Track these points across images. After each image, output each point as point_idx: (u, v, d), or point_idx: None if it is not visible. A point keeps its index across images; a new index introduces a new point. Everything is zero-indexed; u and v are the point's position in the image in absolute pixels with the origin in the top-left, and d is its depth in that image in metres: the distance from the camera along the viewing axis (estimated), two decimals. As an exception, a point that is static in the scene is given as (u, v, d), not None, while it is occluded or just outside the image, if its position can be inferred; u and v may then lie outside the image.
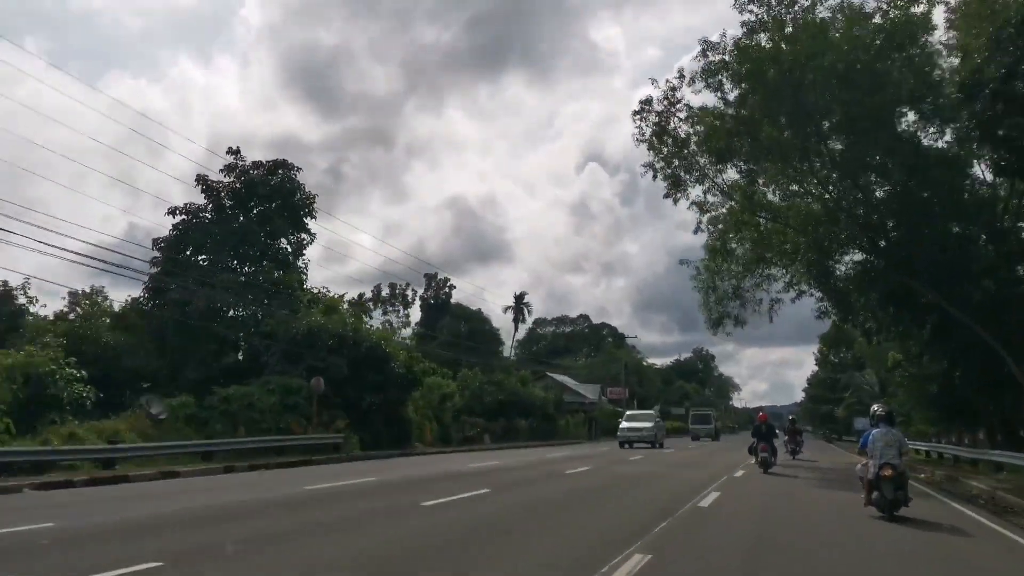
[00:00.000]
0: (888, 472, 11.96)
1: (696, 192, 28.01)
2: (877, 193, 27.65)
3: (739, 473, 23.52)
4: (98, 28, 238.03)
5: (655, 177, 27.32)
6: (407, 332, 67.02)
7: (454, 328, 69.45)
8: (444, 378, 38.25)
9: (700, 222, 28.67)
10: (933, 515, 13.29)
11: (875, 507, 12.37)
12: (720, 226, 29.15)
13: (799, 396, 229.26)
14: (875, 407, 13.63)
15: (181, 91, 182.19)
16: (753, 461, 24.69)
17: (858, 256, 29.53)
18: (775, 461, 23.99)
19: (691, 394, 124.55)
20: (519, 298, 74.83)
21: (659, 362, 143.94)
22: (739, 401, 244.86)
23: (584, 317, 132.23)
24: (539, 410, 47.97)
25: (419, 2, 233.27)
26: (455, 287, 71.23)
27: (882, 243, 27.66)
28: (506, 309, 73.89)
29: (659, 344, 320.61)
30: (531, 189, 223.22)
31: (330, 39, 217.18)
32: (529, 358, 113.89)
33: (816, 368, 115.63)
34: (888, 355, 57.81)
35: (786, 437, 35.09)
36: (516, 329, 72.86)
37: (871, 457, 12.39)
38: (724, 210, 28.76)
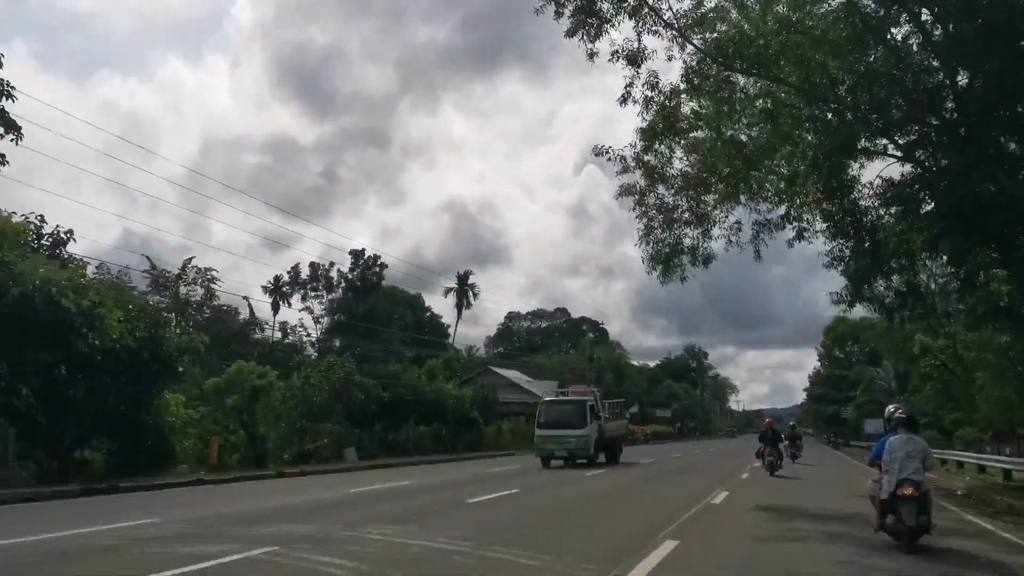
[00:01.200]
0: (909, 491, 9.66)
1: (625, 31, 16.06)
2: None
3: None
4: (86, 29, 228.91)
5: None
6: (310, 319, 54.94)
7: (382, 314, 57.22)
8: (264, 368, 25.34)
9: (631, 84, 16.51)
10: (968, 547, 10.50)
11: (889, 534, 10.16)
12: (665, 94, 16.87)
13: (799, 399, 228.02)
14: (891, 408, 11.33)
15: (172, 92, 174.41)
16: (759, 464, 26.15)
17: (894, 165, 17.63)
18: (781, 464, 25.71)
19: (680, 395, 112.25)
20: (463, 278, 62.25)
21: (652, 363, 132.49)
22: (737, 404, 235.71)
23: (562, 311, 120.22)
24: (454, 413, 35.69)
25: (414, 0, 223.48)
26: (387, 266, 59.14)
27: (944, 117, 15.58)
28: (448, 292, 61.64)
29: (658, 348, 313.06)
30: (528, 190, 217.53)
31: (323, 38, 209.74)
32: (500, 356, 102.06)
33: (819, 365, 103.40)
34: (915, 339, 45.62)
35: (786, 442, 32.50)
36: (459, 315, 60.78)
37: (886, 471, 10.00)
38: (678, 58, 16.61)
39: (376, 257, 59.21)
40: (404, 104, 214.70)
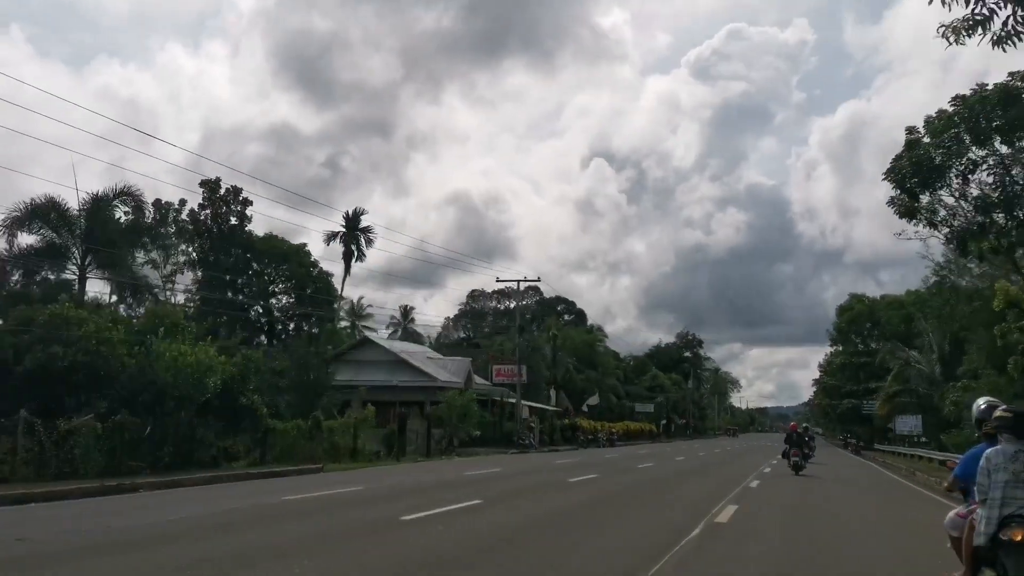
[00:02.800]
0: (1019, 535, 6.12)
1: None
2: None
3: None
4: (84, 13, 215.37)
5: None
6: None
7: (240, 266, 41.45)
8: None
9: None
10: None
11: None
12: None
13: (805, 397, 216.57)
14: (982, 402, 7.37)
15: (172, 79, 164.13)
16: (787, 464, 27.61)
17: None
18: (805, 464, 27.28)
19: (667, 387, 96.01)
20: (351, 220, 45.33)
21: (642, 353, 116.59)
22: (739, 400, 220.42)
23: (533, 289, 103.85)
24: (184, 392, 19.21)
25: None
26: (251, 202, 43.11)
27: None
28: (331, 238, 44.98)
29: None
30: (534, 183, 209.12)
31: (324, 24, 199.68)
32: (465, 341, 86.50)
33: (830, 351, 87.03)
34: (997, 285, 29.26)
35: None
36: (347, 270, 44.34)
37: (986, 500, 6.49)
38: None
39: (237, 191, 43.22)
40: (407, 93, 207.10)
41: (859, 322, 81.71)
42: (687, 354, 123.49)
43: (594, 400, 55.98)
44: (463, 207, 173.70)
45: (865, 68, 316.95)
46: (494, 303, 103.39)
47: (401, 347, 38.42)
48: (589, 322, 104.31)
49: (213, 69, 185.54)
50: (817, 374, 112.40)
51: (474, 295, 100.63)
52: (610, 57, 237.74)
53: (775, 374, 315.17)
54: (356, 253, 45.31)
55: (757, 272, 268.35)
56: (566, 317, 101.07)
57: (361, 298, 57.44)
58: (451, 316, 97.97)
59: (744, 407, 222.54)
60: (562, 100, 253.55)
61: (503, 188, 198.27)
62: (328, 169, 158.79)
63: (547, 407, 45.21)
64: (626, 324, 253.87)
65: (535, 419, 43.19)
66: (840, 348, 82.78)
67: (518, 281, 40.40)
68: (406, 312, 72.78)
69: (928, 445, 53.06)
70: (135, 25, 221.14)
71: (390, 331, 77.57)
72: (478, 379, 42.28)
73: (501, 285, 66.29)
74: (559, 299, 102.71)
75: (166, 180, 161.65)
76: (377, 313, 73.99)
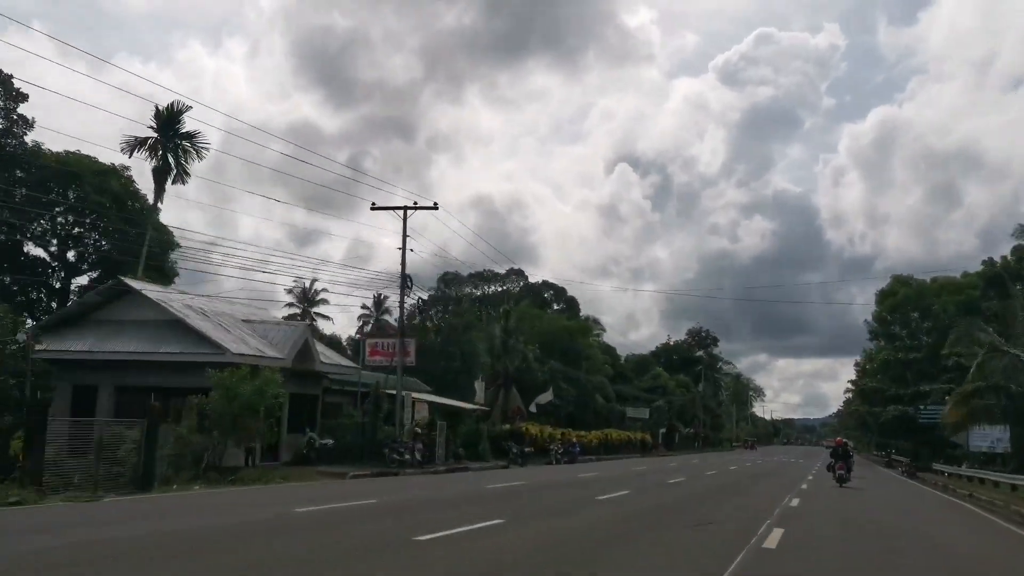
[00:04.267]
0: None
1: None
2: None
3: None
4: (104, 10, 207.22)
5: None
6: None
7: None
8: None
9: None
10: None
11: None
12: None
13: (833, 408, 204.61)
14: None
15: (193, 77, 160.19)
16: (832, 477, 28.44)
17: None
18: (850, 477, 28.29)
19: (670, 390, 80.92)
20: (167, 119, 29.85)
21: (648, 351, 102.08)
22: (764, 411, 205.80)
23: (517, 272, 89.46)
24: None
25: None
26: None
27: None
28: (137, 147, 29.44)
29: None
30: (556, 187, 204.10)
31: (345, 23, 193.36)
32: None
33: (870, 349, 71.52)
34: None
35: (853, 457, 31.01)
36: (162, 187, 28.02)
37: None
38: None
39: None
40: (427, 93, 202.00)
41: (904, 310, 66.44)
42: (700, 353, 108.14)
43: (545, 398, 41.73)
44: (485, 211, 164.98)
45: (897, 72, 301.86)
46: (470, 288, 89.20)
47: (185, 302, 23.72)
48: (584, 315, 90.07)
49: (233, 68, 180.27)
50: (847, 384, 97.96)
51: (446, 279, 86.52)
52: (636, 58, 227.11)
53: (801, 385, 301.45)
54: (175, 169, 31.04)
55: (784, 281, 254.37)
56: (555, 306, 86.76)
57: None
58: (422, 299, 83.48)
59: (769, 417, 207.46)
60: (586, 102, 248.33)
61: (525, 192, 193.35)
62: (347, 168, 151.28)
63: (464, 404, 30.84)
64: (649, 332, 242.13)
65: (434, 420, 28.87)
66: (882, 343, 67.43)
67: (405, 208, 26.11)
68: (306, 295, 58.57)
69: (1009, 466, 38.41)
70: (155, 23, 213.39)
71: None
72: (342, 360, 28.20)
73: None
74: (547, 285, 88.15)
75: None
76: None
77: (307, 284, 59.54)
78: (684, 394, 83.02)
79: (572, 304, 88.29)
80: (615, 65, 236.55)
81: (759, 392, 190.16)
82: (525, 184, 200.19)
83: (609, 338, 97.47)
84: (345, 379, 28.19)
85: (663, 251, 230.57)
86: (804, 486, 24.68)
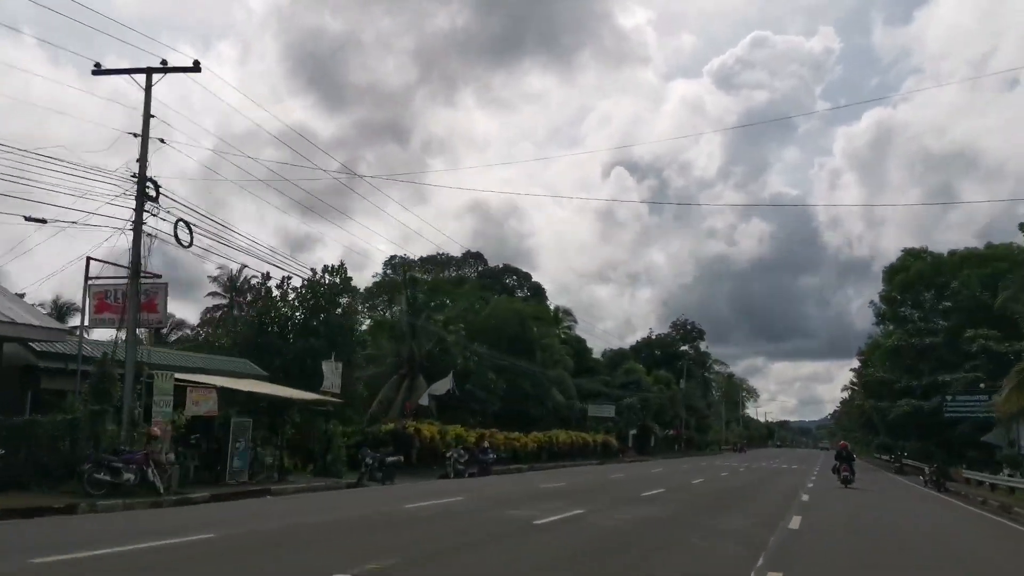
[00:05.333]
0: None
1: None
2: None
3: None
4: (91, 13, 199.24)
5: None
6: None
7: None
8: None
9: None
10: None
11: None
12: None
13: (828, 411, 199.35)
14: None
15: (181, 80, 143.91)
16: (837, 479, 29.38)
17: None
18: (854, 479, 29.23)
19: (649, 386, 70.77)
20: None
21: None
22: (758, 412, 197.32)
23: (476, 256, 79.75)
24: None
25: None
26: None
27: None
28: None
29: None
30: (553, 190, 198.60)
31: (337, 25, 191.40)
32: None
33: (876, 335, 61.46)
34: None
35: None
36: None
37: None
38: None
39: None
40: (420, 95, 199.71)
41: (918, 288, 56.47)
42: (684, 348, 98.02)
43: (442, 387, 31.38)
44: (481, 215, 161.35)
45: (893, 74, 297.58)
46: (425, 274, 79.01)
47: None
48: (554, 305, 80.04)
49: (223, 71, 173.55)
50: (845, 382, 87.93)
51: (393, 263, 76.43)
52: (632, 60, 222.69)
53: (798, 388, 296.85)
54: None
55: (780, 284, 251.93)
56: (518, 293, 76.87)
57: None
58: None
59: (764, 419, 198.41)
60: (583, 104, 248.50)
61: (520, 196, 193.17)
62: (340, 173, 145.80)
63: (301, 394, 20.50)
64: (644, 335, 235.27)
65: (227, 415, 18.69)
66: (890, 328, 57.40)
67: (149, 71, 16.53)
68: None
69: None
70: (144, 26, 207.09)
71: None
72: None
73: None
74: (507, 268, 78.17)
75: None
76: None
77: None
78: (663, 391, 72.76)
79: (538, 291, 78.35)
80: (612, 67, 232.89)
81: (752, 393, 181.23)
82: (520, 187, 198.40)
83: (600, 338, 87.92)
84: (64, 352, 18.24)
85: (659, 254, 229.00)
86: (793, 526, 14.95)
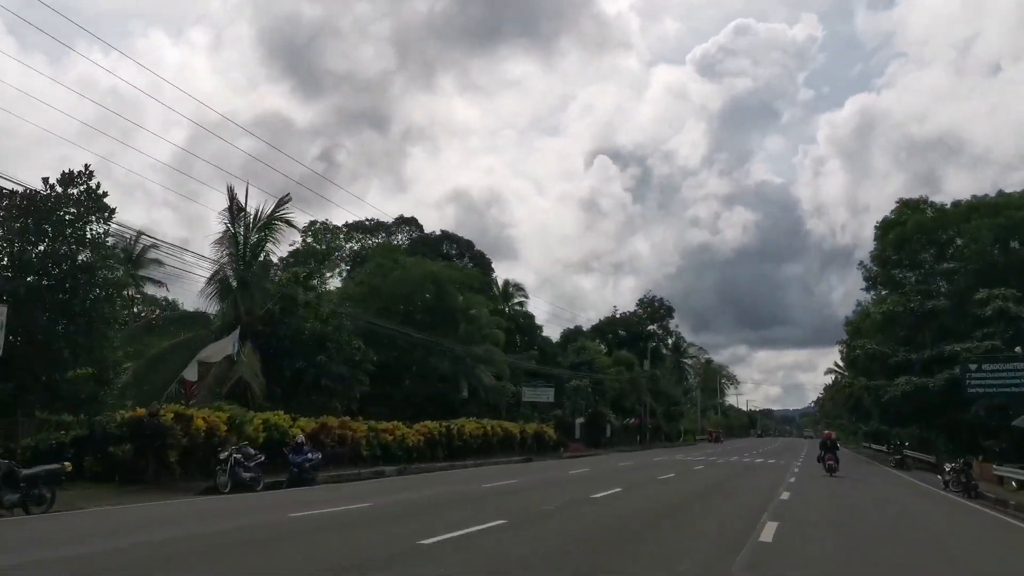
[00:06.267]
0: None
1: None
2: None
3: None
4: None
5: None
6: None
7: None
8: None
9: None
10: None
11: None
12: None
13: (812, 398, 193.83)
14: None
15: (155, 67, 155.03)
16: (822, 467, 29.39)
17: None
18: (838, 467, 29.64)
19: (605, 367, 61.39)
20: None
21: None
22: (740, 401, 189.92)
23: (408, 221, 70.16)
24: None
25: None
26: None
27: None
28: None
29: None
30: (535, 180, 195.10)
31: (313, 11, 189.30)
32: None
33: (865, 302, 52.41)
34: None
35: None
36: None
37: None
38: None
39: None
40: (398, 82, 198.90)
41: (914, 246, 47.44)
42: (652, 328, 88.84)
43: (219, 351, 21.51)
44: (463, 205, 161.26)
45: (876, 61, 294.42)
46: (352, 243, 69.15)
47: None
48: (505, 280, 70.69)
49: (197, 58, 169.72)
50: (830, 365, 78.48)
51: (315, 230, 66.62)
52: (614, 46, 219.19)
53: (781, 377, 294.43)
54: None
55: (764, 273, 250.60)
56: (459, 262, 67.46)
57: None
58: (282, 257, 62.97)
59: (745, 408, 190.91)
60: (565, 92, 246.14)
61: (502, 185, 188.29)
62: (320, 161, 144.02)
63: None
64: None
65: None
66: (883, 293, 48.37)
67: None
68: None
69: None
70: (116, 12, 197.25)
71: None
72: None
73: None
74: (446, 236, 68.46)
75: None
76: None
77: None
78: (620, 373, 63.36)
79: (482, 261, 68.80)
80: (594, 54, 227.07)
81: (733, 380, 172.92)
82: (502, 177, 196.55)
83: (569, 321, 78.68)
84: None
85: (643, 243, 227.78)
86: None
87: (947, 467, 25.81)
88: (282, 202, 26.51)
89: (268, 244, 26.26)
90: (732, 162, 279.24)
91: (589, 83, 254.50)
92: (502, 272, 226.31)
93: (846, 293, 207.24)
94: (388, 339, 42.22)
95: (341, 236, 67.75)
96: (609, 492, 18.31)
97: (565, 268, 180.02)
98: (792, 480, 25.75)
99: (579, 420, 48.51)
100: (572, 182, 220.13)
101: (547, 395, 45.44)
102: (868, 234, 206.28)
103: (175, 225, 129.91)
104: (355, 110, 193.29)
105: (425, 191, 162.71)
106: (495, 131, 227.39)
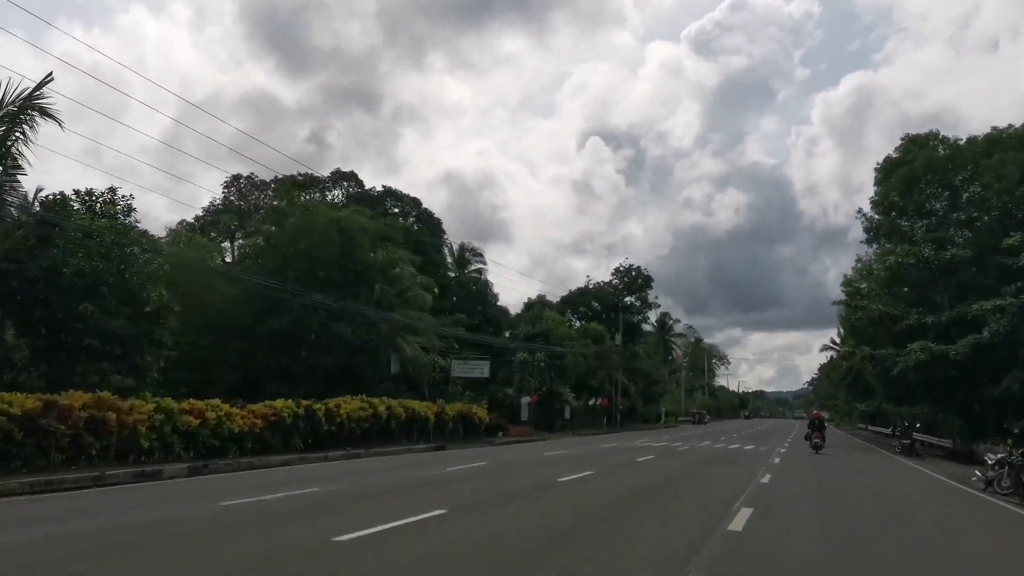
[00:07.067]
0: None
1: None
2: None
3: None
4: None
5: None
6: None
7: None
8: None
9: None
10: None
11: None
12: None
13: (804, 379, 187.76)
14: None
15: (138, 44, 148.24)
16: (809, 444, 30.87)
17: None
18: (824, 445, 30.75)
19: (565, 339, 53.48)
20: None
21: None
22: (730, 382, 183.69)
23: (349, 176, 62.04)
24: None
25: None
26: None
27: None
28: None
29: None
30: (527, 161, 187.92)
31: None
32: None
33: (865, 257, 44.42)
34: None
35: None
36: None
37: None
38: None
39: None
40: (386, 60, 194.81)
41: (923, 189, 39.57)
42: (630, 299, 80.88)
43: None
44: (455, 187, 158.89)
45: (874, 36, 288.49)
46: (277, 200, 60.84)
47: None
48: (460, 244, 62.94)
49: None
50: (826, 342, 70.90)
51: (239, 185, 58.37)
52: (608, 21, 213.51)
53: (776, 358, 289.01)
54: None
55: (758, 254, 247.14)
56: (403, 221, 59.65)
57: None
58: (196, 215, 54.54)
59: (737, 389, 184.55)
60: (557, 70, 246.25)
61: (495, 167, 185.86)
62: (311, 143, 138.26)
63: None
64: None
65: None
66: (887, 246, 40.47)
67: None
68: None
69: None
70: None
71: None
72: None
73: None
74: (389, 192, 60.27)
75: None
76: None
77: None
78: (586, 347, 55.42)
79: (430, 222, 60.76)
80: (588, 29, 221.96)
81: (723, 360, 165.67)
82: (494, 159, 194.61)
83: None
84: None
85: (636, 226, 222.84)
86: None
87: (989, 457, 18.01)
88: (43, 83, 18.33)
89: (17, 143, 17.98)
90: (726, 142, 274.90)
91: (582, 60, 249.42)
92: (495, 254, 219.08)
93: (840, 274, 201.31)
94: (286, 303, 34.46)
95: (269, 191, 59.54)
96: (429, 515, 10.43)
97: (557, 250, 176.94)
98: (764, 480, 18.02)
99: (525, 399, 40.71)
100: (565, 164, 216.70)
101: (481, 369, 37.56)
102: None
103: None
104: (343, 88, 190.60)
105: (417, 172, 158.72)
106: (487, 110, 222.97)
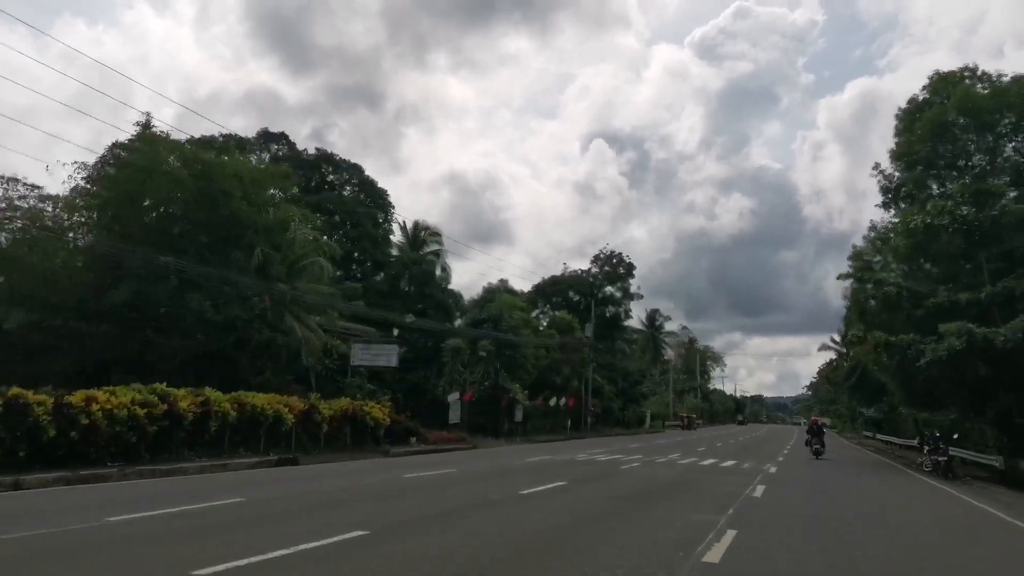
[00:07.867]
0: None
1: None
2: None
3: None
4: None
5: None
6: None
7: None
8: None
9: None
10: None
11: None
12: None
13: (803, 383, 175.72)
14: None
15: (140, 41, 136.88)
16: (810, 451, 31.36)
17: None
18: (824, 451, 31.25)
19: (519, 326, 45.26)
20: None
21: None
22: (726, 385, 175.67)
23: (279, 138, 54.08)
24: None
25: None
26: None
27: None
28: None
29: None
30: (531, 164, 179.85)
31: None
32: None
33: (881, 222, 36.13)
34: None
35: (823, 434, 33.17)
36: None
37: None
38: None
39: None
40: (387, 59, 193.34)
41: (958, 136, 31.50)
42: (610, 290, 72.73)
43: None
44: (458, 188, 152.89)
45: (879, 43, 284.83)
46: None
47: None
48: (415, 222, 55.03)
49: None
50: (827, 341, 61.32)
51: (140, 144, 50.13)
52: (612, 23, 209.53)
53: (775, 363, 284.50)
54: None
55: (760, 259, 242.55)
56: (345, 190, 52.04)
57: None
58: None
59: (737, 393, 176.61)
60: (561, 72, 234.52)
61: (498, 168, 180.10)
62: (312, 140, 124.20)
63: None
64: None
65: None
66: (904, 207, 32.24)
67: None
68: None
69: None
70: None
71: None
72: None
73: None
74: (324, 157, 52.22)
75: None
76: None
77: None
78: (549, 336, 47.19)
79: (373, 191, 52.80)
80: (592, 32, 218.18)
81: (718, 361, 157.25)
82: (497, 160, 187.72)
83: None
84: None
85: (639, 229, 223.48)
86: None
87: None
88: None
89: None
90: (730, 147, 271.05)
91: (586, 62, 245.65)
92: (499, 251, 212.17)
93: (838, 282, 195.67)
94: (134, 271, 26.49)
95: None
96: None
97: (559, 252, 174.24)
98: (710, 558, 9.91)
99: (451, 397, 32.47)
100: (568, 166, 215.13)
101: (387, 357, 29.39)
102: (866, 220, 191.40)
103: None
104: (346, 87, 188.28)
105: (419, 172, 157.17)
106: (490, 111, 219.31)
